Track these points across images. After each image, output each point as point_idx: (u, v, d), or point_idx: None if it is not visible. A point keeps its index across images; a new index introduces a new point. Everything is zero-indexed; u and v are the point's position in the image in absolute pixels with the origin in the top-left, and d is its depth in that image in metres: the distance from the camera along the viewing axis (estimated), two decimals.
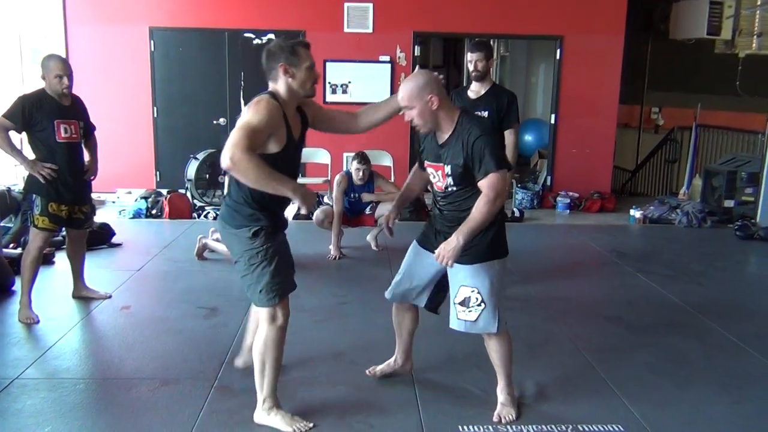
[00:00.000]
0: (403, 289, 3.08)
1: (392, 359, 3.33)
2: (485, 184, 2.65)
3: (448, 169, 2.76)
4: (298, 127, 2.79)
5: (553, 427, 2.87)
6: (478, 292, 2.79)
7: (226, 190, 2.81)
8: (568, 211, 7.94)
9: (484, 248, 2.78)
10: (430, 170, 2.89)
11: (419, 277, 3.02)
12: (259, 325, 2.80)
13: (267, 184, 2.49)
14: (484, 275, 2.79)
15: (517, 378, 3.25)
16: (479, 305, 2.80)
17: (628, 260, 5.76)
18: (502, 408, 2.96)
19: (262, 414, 2.86)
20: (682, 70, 9.71)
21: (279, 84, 2.69)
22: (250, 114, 2.55)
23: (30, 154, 4.02)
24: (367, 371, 3.31)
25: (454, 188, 2.78)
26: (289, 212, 7.04)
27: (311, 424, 2.84)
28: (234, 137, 2.48)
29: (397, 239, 3.58)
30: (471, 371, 3.41)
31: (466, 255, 2.73)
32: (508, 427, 2.87)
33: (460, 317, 2.85)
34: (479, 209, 2.65)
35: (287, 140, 2.67)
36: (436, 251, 2.72)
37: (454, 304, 2.86)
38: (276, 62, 2.67)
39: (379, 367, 3.33)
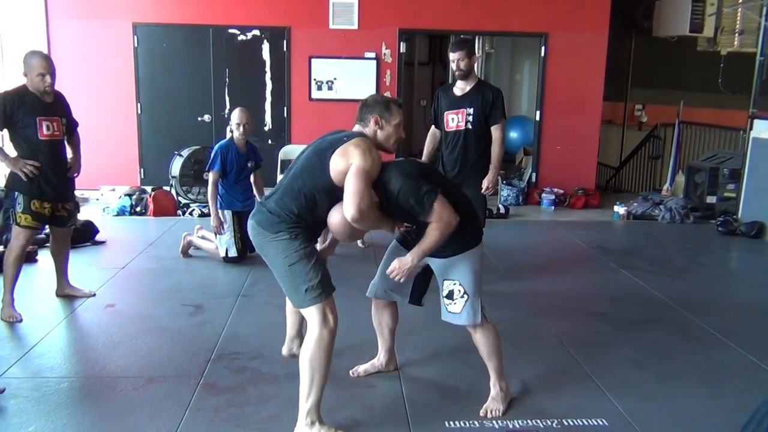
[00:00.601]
0: (385, 287, 3.09)
1: (375, 359, 3.35)
2: (432, 219, 2.67)
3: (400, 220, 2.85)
4: None
5: (538, 421, 2.89)
6: (460, 284, 2.85)
7: (266, 194, 2.82)
8: (553, 207, 8.00)
9: (461, 241, 2.82)
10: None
11: (393, 283, 2.98)
12: (309, 330, 2.69)
13: (378, 227, 2.76)
14: (463, 266, 2.85)
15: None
16: (462, 297, 2.85)
17: (612, 256, 5.81)
18: (491, 402, 2.97)
19: (304, 429, 2.68)
20: (665, 68, 9.80)
21: (367, 131, 2.81)
22: (364, 161, 2.61)
23: (12, 152, 3.98)
24: (350, 372, 3.31)
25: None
26: None
27: None
28: (356, 187, 2.56)
29: (385, 237, 3.58)
30: (457, 367, 3.43)
31: (445, 250, 2.78)
32: (494, 422, 2.88)
33: (449, 310, 2.90)
34: (431, 235, 2.69)
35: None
36: (391, 265, 2.78)
37: (442, 297, 2.91)
38: (370, 113, 2.80)
39: (362, 367, 3.33)
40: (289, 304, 3.22)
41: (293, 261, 2.68)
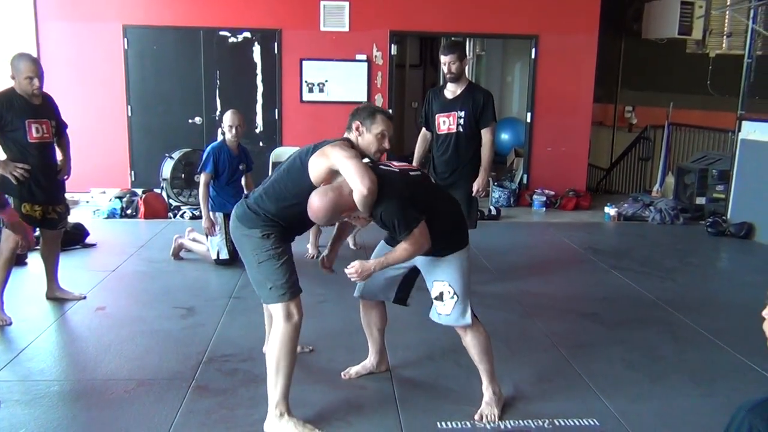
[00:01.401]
0: (372, 287, 3.08)
1: (367, 360, 3.34)
2: (408, 242, 2.67)
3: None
4: None
5: (529, 421, 2.90)
6: (450, 285, 2.84)
7: (249, 191, 2.86)
8: (544, 208, 8.03)
9: (449, 242, 2.83)
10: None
11: (387, 275, 3.01)
12: (273, 326, 2.77)
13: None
14: (452, 267, 2.84)
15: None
16: (452, 298, 2.85)
17: (603, 257, 5.84)
18: (485, 407, 2.95)
19: (273, 421, 2.75)
20: (655, 70, 9.86)
21: (350, 136, 2.83)
22: (344, 151, 2.64)
23: (1, 155, 3.95)
24: (342, 374, 3.31)
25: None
26: None
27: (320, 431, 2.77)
28: (353, 167, 2.57)
29: (376, 237, 3.58)
30: (449, 368, 3.43)
31: (439, 248, 2.78)
32: (485, 423, 2.89)
33: (439, 311, 2.89)
34: (399, 252, 2.71)
35: None
36: (351, 264, 2.76)
37: (433, 299, 2.91)
38: (353, 119, 2.82)
39: (354, 369, 3.33)
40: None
41: (262, 259, 2.73)
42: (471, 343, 2.93)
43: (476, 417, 2.91)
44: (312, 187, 2.67)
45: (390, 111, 3.01)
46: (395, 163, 2.91)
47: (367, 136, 2.79)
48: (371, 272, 2.76)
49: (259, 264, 2.75)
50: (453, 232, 2.86)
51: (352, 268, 2.75)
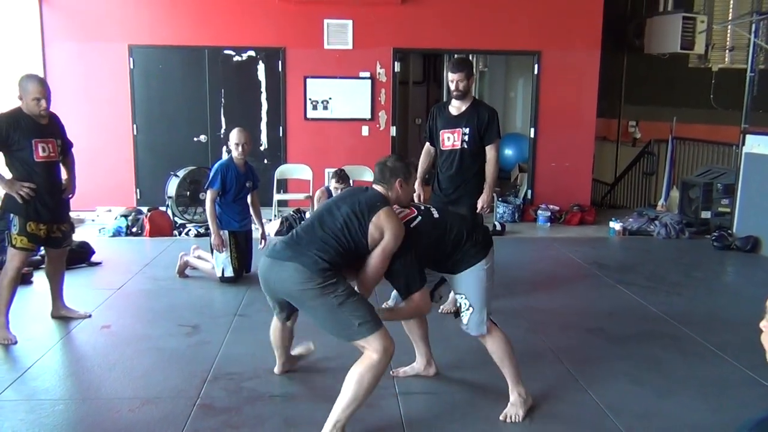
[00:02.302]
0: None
1: (415, 363, 3.50)
2: (408, 303, 2.98)
3: None
4: None
5: None
6: (466, 298, 3.02)
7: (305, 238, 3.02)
8: (548, 224, 8.02)
9: (465, 258, 2.99)
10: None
11: None
12: (366, 353, 2.76)
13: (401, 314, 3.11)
14: (469, 281, 3.01)
15: (497, 388, 3.27)
16: (468, 309, 3.02)
17: (608, 272, 5.82)
18: (510, 408, 3.05)
19: None
20: (658, 84, 9.88)
21: (390, 192, 3.05)
22: (396, 238, 2.87)
23: (7, 174, 3.98)
24: (391, 372, 3.41)
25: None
26: (271, 227, 7.03)
27: None
28: (382, 267, 2.90)
29: None
30: (454, 386, 3.42)
31: (453, 267, 3.01)
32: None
33: (462, 322, 3.06)
34: (403, 311, 3.07)
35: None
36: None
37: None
38: (394, 177, 3.05)
39: (403, 369, 3.49)
40: (274, 326, 3.35)
41: (341, 300, 2.76)
42: (491, 348, 3.09)
43: (501, 417, 3.02)
44: (368, 248, 2.88)
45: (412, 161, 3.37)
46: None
47: (407, 189, 3.09)
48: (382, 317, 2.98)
49: (339, 306, 2.75)
50: (463, 251, 3.00)
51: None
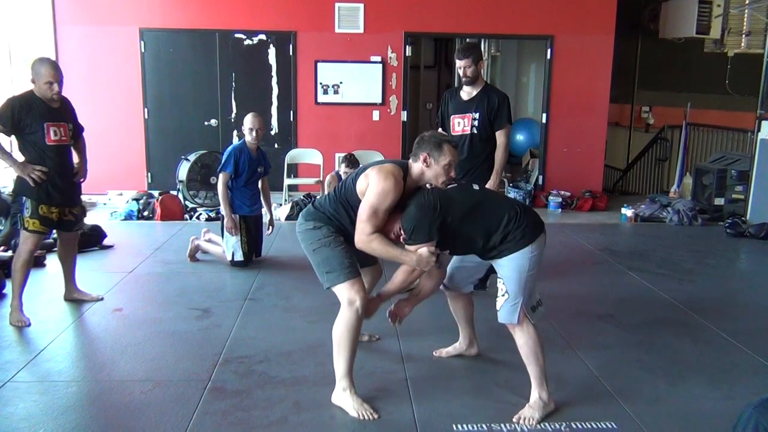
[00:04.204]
0: (454, 280, 3.29)
1: (457, 342, 3.56)
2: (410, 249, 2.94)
3: None
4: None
5: (546, 425, 2.88)
6: (504, 283, 2.95)
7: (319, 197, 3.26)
8: (559, 210, 7.98)
9: (508, 243, 2.90)
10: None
11: (467, 267, 3.25)
12: (341, 309, 2.94)
13: (393, 256, 2.91)
14: (509, 267, 2.92)
15: (509, 375, 3.28)
16: (503, 295, 2.95)
17: (619, 258, 5.79)
18: (527, 409, 2.93)
19: (338, 393, 2.99)
20: (672, 69, 9.77)
21: (415, 165, 2.95)
22: (377, 192, 2.83)
23: (20, 157, 3.99)
24: (434, 352, 3.55)
25: None
26: (282, 212, 7.04)
27: (377, 415, 2.91)
28: (362, 221, 2.86)
29: None
30: (465, 370, 3.43)
31: (493, 253, 2.94)
32: (502, 425, 2.87)
33: (497, 304, 2.99)
34: (399, 275, 3.07)
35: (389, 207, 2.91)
36: (391, 315, 3.20)
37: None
38: (421, 150, 2.92)
39: (446, 350, 3.56)
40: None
41: (316, 246, 2.99)
42: (519, 343, 2.99)
43: (514, 418, 2.91)
44: (357, 199, 2.92)
45: (454, 140, 3.20)
46: None
47: (435, 168, 2.90)
48: (410, 310, 3.20)
49: (313, 252, 2.99)
50: (505, 234, 2.89)
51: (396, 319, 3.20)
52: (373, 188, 2.84)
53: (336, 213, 3.02)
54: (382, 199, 2.83)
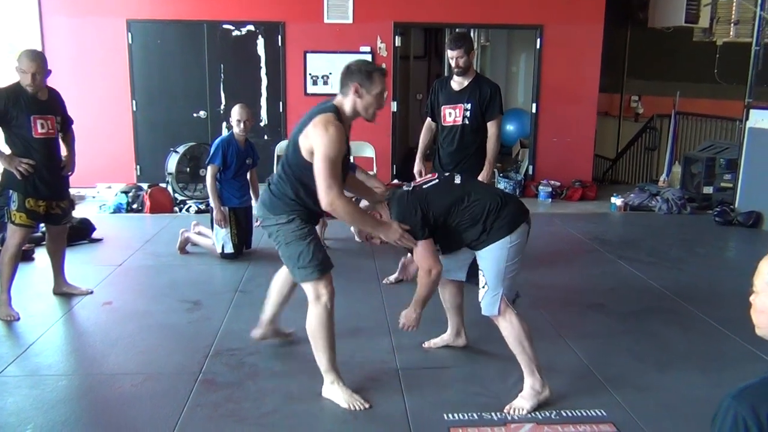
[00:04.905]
0: (446, 267, 3.17)
1: (445, 333, 3.55)
2: (416, 261, 2.96)
3: None
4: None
5: (537, 413, 2.89)
6: (483, 275, 2.94)
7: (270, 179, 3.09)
8: (549, 199, 8.00)
9: (488, 234, 2.91)
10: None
11: (458, 258, 3.19)
12: (309, 305, 2.93)
13: (359, 224, 2.93)
14: (488, 257, 2.92)
15: (499, 364, 3.29)
16: (483, 287, 2.94)
17: (609, 247, 5.82)
18: (518, 400, 2.93)
19: (327, 387, 3.00)
20: (661, 59, 9.79)
21: (347, 100, 2.85)
22: (327, 144, 2.70)
23: (6, 150, 3.95)
24: (423, 344, 3.54)
25: None
26: None
27: (368, 404, 2.92)
28: (325, 179, 2.69)
29: None
30: (455, 360, 3.44)
31: (474, 243, 2.94)
32: (493, 414, 2.88)
33: (479, 296, 2.98)
34: (418, 284, 2.98)
35: (344, 157, 2.85)
36: (401, 322, 3.10)
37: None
38: (351, 80, 2.82)
39: (433, 341, 3.55)
40: (272, 286, 3.39)
41: (289, 240, 2.90)
42: (504, 333, 2.97)
43: (505, 409, 2.90)
44: (308, 163, 2.77)
45: (383, 67, 3.01)
46: (415, 181, 3.13)
47: (367, 98, 2.83)
48: (416, 318, 3.05)
49: (286, 245, 2.91)
50: (488, 227, 2.88)
51: (402, 322, 3.09)
52: (319, 142, 2.70)
53: (296, 197, 2.88)
54: (333, 147, 2.69)
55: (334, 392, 2.96)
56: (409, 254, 3.30)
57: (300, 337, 3.66)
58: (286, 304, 3.40)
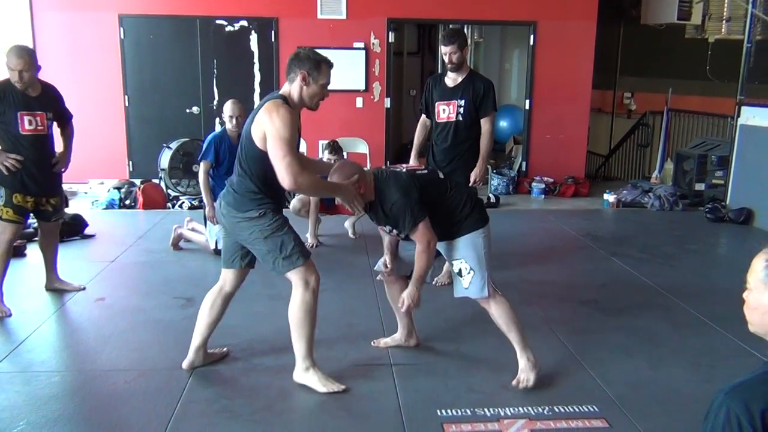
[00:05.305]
0: (394, 260, 3.29)
1: (397, 334, 3.53)
2: (416, 239, 2.96)
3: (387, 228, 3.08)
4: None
5: (529, 409, 2.91)
6: (466, 262, 3.05)
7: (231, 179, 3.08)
8: (543, 196, 8.02)
9: (465, 223, 3.05)
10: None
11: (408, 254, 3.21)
12: (293, 292, 2.95)
13: (322, 193, 2.87)
14: (469, 246, 3.05)
15: (492, 360, 3.30)
16: (469, 273, 3.05)
17: (601, 244, 5.84)
18: (522, 373, 3.09)
19: (300, 373, 3.02)
20: (654, 55, 9.82)
21: (293, 87, 2.89)
22: (280, 126, 2.72)
23: None
24: (372, 342, 3.51)
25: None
26: None
27: (343, 387, 2.99)
28: (283, 159, 2.70)
29: (375, 227, 3.58)
30: (448, 356, 3.45)
31: (451, 233, 3.05)
32: (485, 409, 2.90)
33: (457, 286, 3.11)
34: (418, 261, 2.98)
35: (297, 143, 2.86)
36: (402, 302, 3.05)
37: (454, 276, 3.13)
38: (299, 67, 2.86)
39: (384, 340, 3.54)
40: (204, 305, 3.22)
41: (267, 234, 2.88)
42: (496, 313, 3.10)
43: (513, 383, 3.06)
44: (263, 152, 2.78)
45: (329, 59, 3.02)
46: (404, 165, 3.18)
47: (313, 87, 2.88)
48: (419, 296, 3.03)
49: (265, 239, 2.88)
50: (464, 217, 3.06)
51: (404, 304, 3.04)
52: (272, 125, 2.72)
53: (259, 191, 2.88)
54: (286, 127, 2.72)
55: (310, 378, 3.00)
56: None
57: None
58: (215, 327, 3.25)
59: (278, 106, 2.78)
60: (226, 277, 3.18)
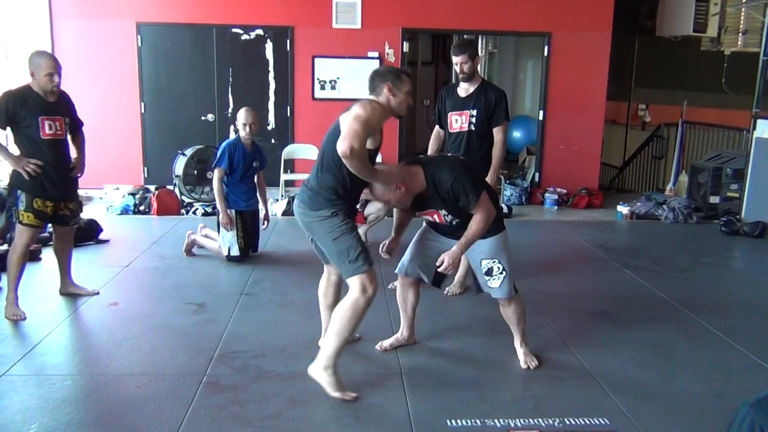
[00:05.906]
0: (416, 265, 3.41)
1: (399, 333, 3.61)
2: (480, 210, 3.06)
3: (443, 213, 3.18)
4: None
5: (540, 420, 2.89)
6: (499, 262, 3.22)
7: (309, 177, 3.17)
8: (555, 207, 8.00)
9: (495, 223, 3.18)
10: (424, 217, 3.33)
11: (429, 255, 3.32)
12: (349, 293, 2.98)
13: (366, 172, 2.89)
14: (500, 247, 3.23)
15: (503, 371, 3.30)
16: (501, 273, 3.22)
17: (615, 256, 5.81)
18: (525, 357, 3.38)
19: (318, 369, 3.03)
20: (669, 67, 9.79)
21: (380, 99, 3.04)
22: (363, 110, 2.87)
23: (16, 151, 3.98)
24: (376, 346, 3.57)
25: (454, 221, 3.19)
26: (278, 208, 7.04)
27: (355, 395, 3.01)
28: (351, 128, 2.79)
29: (384, 234, 3.59)
30: (458, 365, 3.44)
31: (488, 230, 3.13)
32: (496, 420, 2.88)
33: (489, 285, 3.26)
34: (476, 225, 3.07)
35: (378, 143, 3.04)
36: (442, 261, 3.09)
37: (481, 274, 3.27)
38: (383, 81, 3.03)
39: (387, 342, 3.59)
40: (319, 293, 3.49)
41: (336, 236, 2.97)
42: (513, 310, 3.34)
43: (523, 365, 3.35)
44: None
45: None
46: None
47: (399, 96, 3.04)
48: (459, 258, 3.10)
49: (334, 241, 2.97)
50: (497, 214, 3.20)
51: (445, 263, 3.07)
52: (359, 108, 2.88)
53: (336, 188, 2.98)
54: (369, 115, 2.86)
55: (326, 378, 3.01)
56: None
57: (304, 340, 3.68)
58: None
59: (371, 101, 2.97)
60: (330, 269, 3.37)
